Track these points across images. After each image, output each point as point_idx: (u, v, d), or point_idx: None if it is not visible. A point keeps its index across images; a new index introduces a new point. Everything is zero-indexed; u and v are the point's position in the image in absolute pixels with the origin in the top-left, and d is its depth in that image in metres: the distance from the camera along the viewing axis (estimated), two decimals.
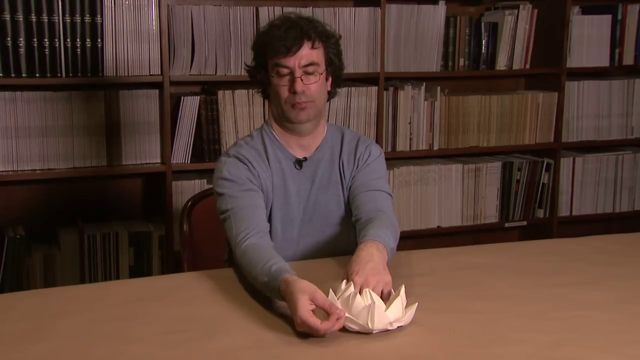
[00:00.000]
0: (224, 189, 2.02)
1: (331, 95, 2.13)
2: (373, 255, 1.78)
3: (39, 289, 2.69)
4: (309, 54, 1.99)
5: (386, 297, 1.70)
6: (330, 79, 2.09)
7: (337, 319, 1.57)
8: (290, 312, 1.63)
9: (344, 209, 2.13)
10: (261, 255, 1.82)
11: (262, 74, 2.07)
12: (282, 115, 2.05)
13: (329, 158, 2.13)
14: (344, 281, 1.72)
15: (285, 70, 1.99)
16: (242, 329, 1.63)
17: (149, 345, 1.56)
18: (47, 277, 3.05)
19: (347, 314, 1.60)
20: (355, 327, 1.61)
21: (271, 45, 1.99)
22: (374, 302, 1.60)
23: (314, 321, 1.56)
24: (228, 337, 1.59)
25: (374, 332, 1.60)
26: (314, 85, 2.00)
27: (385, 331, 1.61)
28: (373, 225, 1.93)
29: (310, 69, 1.99)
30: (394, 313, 1.62)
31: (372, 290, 1.67)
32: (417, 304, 1.66)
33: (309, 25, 2.00)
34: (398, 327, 1.62)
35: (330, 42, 2.05)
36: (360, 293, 1.65)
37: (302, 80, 1.98)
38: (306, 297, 1.59)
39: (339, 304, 1.63)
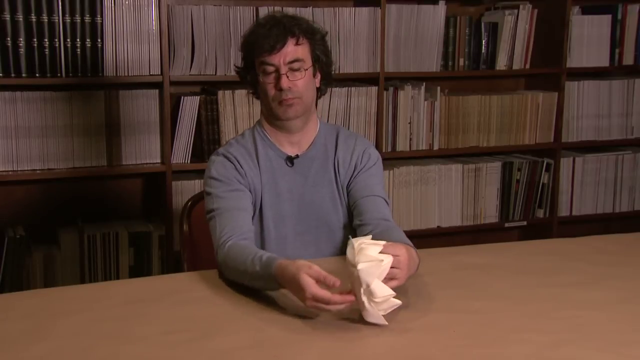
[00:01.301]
0: (212, 188, 2.04)
1: (322, 92, 2.14)
2: (410, 262, 1.76)
3: (39, 289, 2.69)
4: (293, 50, 2.00)
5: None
6: (319, 76, 2.10)
7: (348, 295, 1.60)
8: (293, 294, 1.65)
9: (339, 207, 2.14)
10: (247, 250, 1.84)
11: (251, 74, 2.08)
12: (271, 112, 2.06)
13: (322, 156, 2.13)
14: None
15: (270, 68, 2.00)
16: (242, 329, 1.63)
17: (149, 345, 1.56)
18: (47, 277, 3.05)
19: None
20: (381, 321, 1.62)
21: (256, 44, 2.01)
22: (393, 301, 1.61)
23: (325, 293, 1.58)
24: (228, 337, 1.59)
25: (359, 269, 1.59)
26: (300, 82, 2.01)
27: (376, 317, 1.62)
28: (386, 226, 1.99)
29: (295, 65, 2.00)
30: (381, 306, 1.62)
31: (396, 261, 1.67)
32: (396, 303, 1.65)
33: (293, 22, 2.02)
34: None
35: (315, 38, 2.06)
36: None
37: (287, 76, 1.99)
38: (306, 274, 1.61)
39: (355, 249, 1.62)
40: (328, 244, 2.12)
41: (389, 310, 1.64)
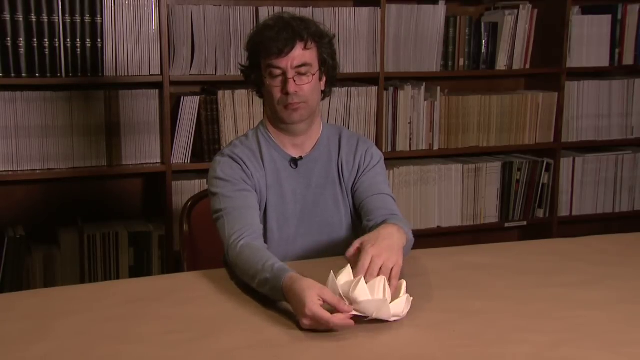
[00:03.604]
0: (218, 189, 2.03)
1: (326, 94, 2.13)
2: (393, 235, 1.80)
3: (39, 289, 2.69)
4: (301, 54, 1.98)
5: (394, 277, 1.70)
6: (324, 79, 2.09)
7: (348, 321, 1.58)
8: (293, 309, 1.64)
9: (342, 208, 2.14)
10: (259, 254, 1.82)
11: (256, 74, 2.07)
12: (276, 115, 2.05)
13: (326, 158, 2.13)
14: (348, 266, 1.72)
15: (277, 72, 1.99)
16: (242, 329, 1.63)
17: (149, 345, 1.56)
18: (47, 277, 3.05)
19: (350, 299, 1.62)
20: (357, 313, 1.61)
21: (264, 46, 1.99)
22: (386, 299, 1.61)
23: (324, 313, 1.56)
24: (228, 337, 1.59)
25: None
26: (307, 86, 2.00)
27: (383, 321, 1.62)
28: (391, 220, 1.95)
29: (303, 69, 1.99)
30: (396, 309, 1.63)
31: (383, 267, 1.69)
32: (412, 298, 1.67)
33: (302, 25, 2.00)
34: (395, 320, 1.64)
35: (323, 42, 2.05)
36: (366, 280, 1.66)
37: (294, 81, 1.98)
38: (314, 293, 1.59)
39: (340, 288, 1.63)
40: (330, 244, 2.12)
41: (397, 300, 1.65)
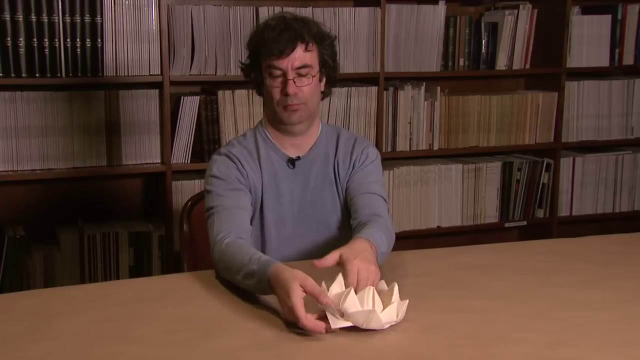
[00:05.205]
0: (212, 187, 2.04)
1: (325, 94, 2.14)
2: (367, 249, 1.79)
3: (39, 289, 2.69)
4: (302, 56, 1.99)
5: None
6: (324, 80, 2.09)
7: (318, 327, 1.57)
8: (278, 299, 1.64)
9: (339, 208, 2.14)
10: (245, 249, 1.83)
11: (256, 73, 2.07)
12: (275, 116, 2.05)
13: (323, 158, 2.13)
14: (340, 276, 1.72)
15: (278, 72, 1.99)
16: (242, 329, 1.63)
17: (149, 345, 1.56)
18: (47, 277, 3.05)
19: (341, 311, 1.60)
20: (348, 324, 1.60)
21: (265, 47, 1.99)
22: (374, 310, 1.60)
23: (299, 311, 1.56)
24: (228, 337, 1.59)
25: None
26: (307, 88, 2.00)
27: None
28: (368, 226, 1.95)
29: (303, 71, 1.99)
30: (388, 316, 1.62)
31: (368, 280, 1.67)
32: (407, 300, 1.66)
33: (303, 27, 2.00)
34: (390, 326, 1.63)
35: (324, 44, 2.05)
36: (356, 291, 1.65)
37: (294, 82, 1.98)
38: (298, 283, 1.60)
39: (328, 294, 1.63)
40: (328, 244, 2.11)
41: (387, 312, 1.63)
